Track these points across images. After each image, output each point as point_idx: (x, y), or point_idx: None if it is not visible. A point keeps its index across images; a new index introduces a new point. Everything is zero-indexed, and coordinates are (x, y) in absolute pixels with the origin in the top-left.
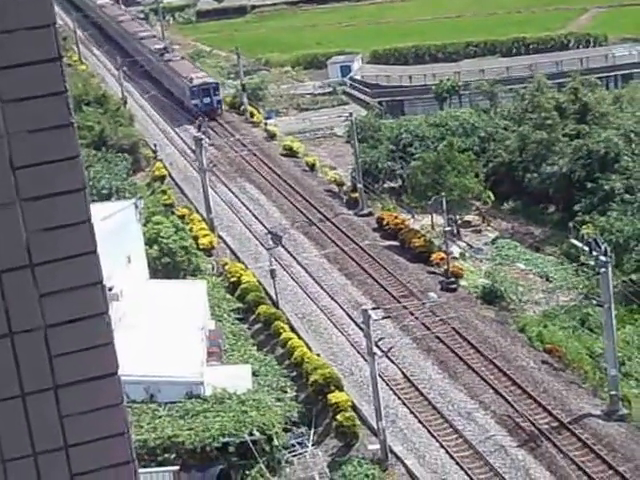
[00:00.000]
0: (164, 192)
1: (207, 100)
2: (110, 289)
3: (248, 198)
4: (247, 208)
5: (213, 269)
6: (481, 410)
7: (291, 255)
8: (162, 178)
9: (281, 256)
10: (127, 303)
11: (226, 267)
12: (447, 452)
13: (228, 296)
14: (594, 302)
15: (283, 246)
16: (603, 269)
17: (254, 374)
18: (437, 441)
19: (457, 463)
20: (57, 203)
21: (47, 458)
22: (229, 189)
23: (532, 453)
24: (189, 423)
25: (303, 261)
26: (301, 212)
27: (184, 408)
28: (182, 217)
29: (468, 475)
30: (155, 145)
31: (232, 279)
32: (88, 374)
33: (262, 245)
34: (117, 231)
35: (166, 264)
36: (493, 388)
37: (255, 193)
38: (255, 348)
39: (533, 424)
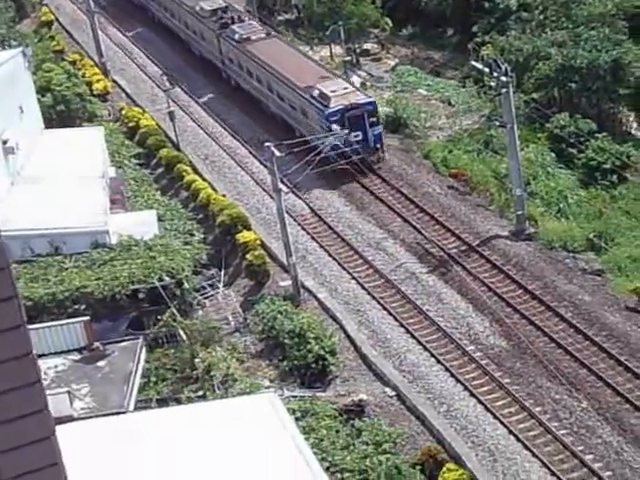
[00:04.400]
0: (52, 38)
1: (358, 134)
2: (5, 142)
3: (141, 39)
4: (140, 50)
5: (109, 115)
6: (390, 239)
7: (189, 95)
8: (49, 24)
9: (179, 97)
10: (24, 155)
11: (123, 112)
12: (358, 283)
13: (127, 142)
14: (497, 123)
15: (180, 86)
16: (504, 89)
17: (160, 219)
18: (348, 273)
19: (369, 293)
20: None
21: None
22: (120, 31)
23: (442, 278)
24: (97, 273)
25: (202, 101)
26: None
27: (91, 258)
28: (73, 63)
29: (380, 304)
30: None
31: (130, 124)
32: None
33: (158, 87)
34: (6, 81)
35: (60, 112)
36: (401, 216)
37: (147, 34)
38: (159, 193)
39: (442, 249)
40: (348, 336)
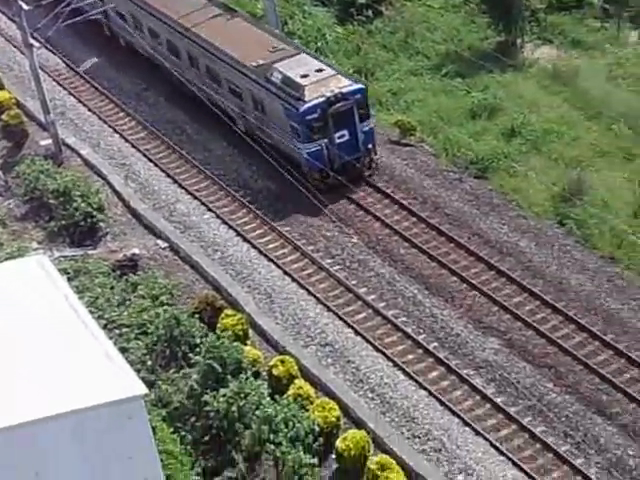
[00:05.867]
0: None
1: (344, 136)
2: None
3: None
4: None
5: None
6: (151, 89)
7: None
8: None
9: None
10: None
11: None
12: (122, 136)
13: None
14: None
15: None
16: None
17: None
18: (110, 127)
19: (133, 145)
20: None
21: None
22: None
23: (207, 126)
24: None
25: None
26: None
27: None
28: None
29: (146, 156)
30: None
31: None
32: None
33: None
34: None
35: None
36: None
37: None
38: None
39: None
40: (115, 191)
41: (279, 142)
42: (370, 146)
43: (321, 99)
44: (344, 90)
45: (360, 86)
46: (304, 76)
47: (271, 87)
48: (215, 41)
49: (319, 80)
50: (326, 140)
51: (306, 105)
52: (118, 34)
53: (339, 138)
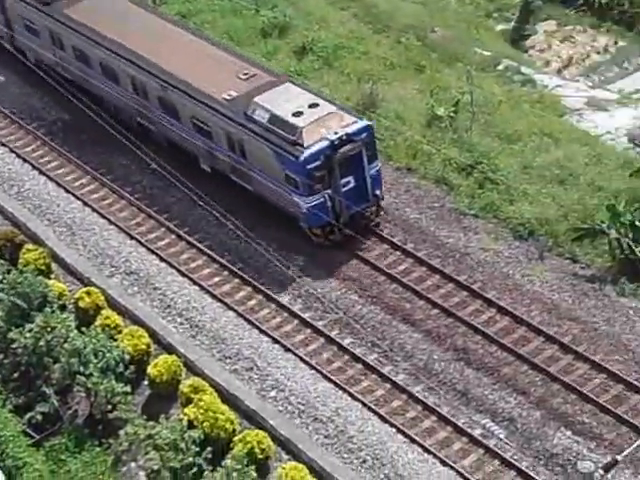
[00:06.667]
0: None
1: (349, 183)
2: None
3: None
4: None
5: None
6: None
7: None
8: None
9: None
10: None
11: None
12: None
13: None
14: None
15: None
16: None
17: None
18: None
19: None
20: None
21: None
22: None
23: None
24: None
25: None
26: None
27: None
28: None
29: None
30: None
31: None
32: None
33: None
34: None
35: None
36: None
37: None
38: None
39: None
40: None
41: (267, 191)
42: (378, 191)
43: (324, 143)
44: (349, 130)
45: (367, 123)
46: (297, 114)
47: (254, 127)
48: (169, 66)
49: (318, 119)
50: (330, 190)
51: (307, 152)
52: (26, 50)
53: (345, 186)
